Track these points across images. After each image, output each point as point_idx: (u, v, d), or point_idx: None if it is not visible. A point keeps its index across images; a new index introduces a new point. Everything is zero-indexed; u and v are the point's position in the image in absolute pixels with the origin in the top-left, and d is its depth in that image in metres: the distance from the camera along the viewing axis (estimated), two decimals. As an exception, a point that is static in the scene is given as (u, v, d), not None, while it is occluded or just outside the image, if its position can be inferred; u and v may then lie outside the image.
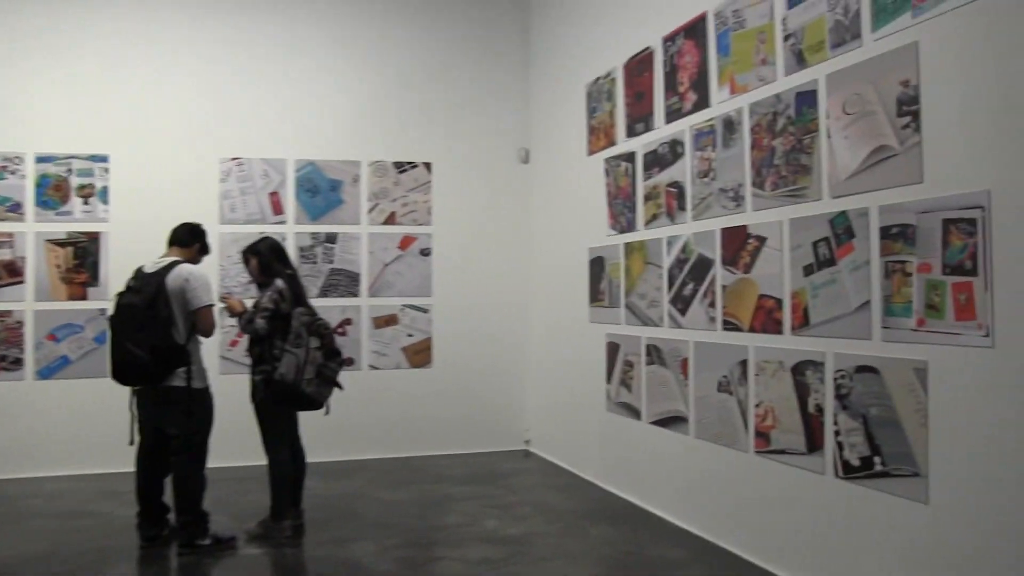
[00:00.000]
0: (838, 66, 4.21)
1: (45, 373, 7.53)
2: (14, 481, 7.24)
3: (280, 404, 5.34)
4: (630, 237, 6.33)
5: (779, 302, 4.62)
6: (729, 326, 5.08)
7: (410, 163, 8.30)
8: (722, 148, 5.18)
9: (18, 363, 7.49)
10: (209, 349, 7.48)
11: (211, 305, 5.18)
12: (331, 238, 8.02)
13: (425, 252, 8.27)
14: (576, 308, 7.25)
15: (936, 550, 3.61)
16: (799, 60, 4.49)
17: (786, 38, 4.59)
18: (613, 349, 6.58)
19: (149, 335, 5.01)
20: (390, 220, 8.22)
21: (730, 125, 5.10)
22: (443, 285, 8.30)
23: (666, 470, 5.81)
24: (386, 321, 8.08)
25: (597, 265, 6.88)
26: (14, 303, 7.50)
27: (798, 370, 4.46)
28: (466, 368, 8.32)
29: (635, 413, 6.22)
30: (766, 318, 4.74)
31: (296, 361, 5.21)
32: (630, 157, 6.33)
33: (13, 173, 7.55)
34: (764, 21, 4.78)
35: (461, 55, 8.48)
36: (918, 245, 3.70)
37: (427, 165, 8.34)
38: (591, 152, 7.04)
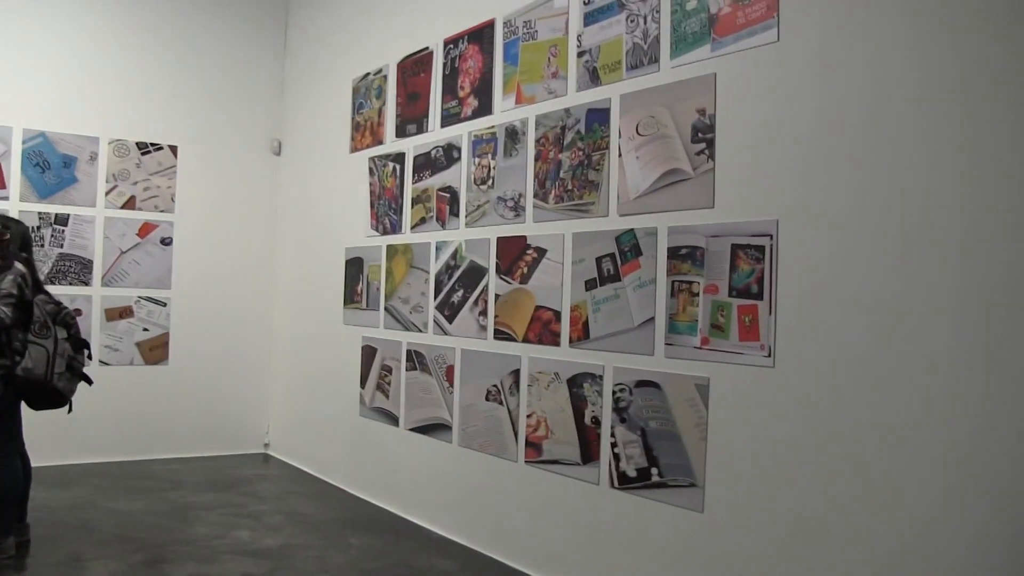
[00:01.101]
0: (633, 87, 4.20)
1: None
2: None
3: (21, 402, 4.56)
4: (394, 239, 6.07)
5: (557, 314, 4.56)
6: (502, 335, 4.95)
7: (155, 144, 7.52)
8: (503, 157, 5.06)
9: None
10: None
11: None
12: (62, 219, 7.08)
13: (166, 241, 7.51)
14: (328, 309, 6.87)
15: (710, 556, 3.68)
16: (593, 77, 4.45)
17: (580, 54, 4.54)
18: (369, 353, 6.28)
19: None
20: (129, 204, 7.39)
21: (513, 135, 4.99)
22: (184, 277, 7.58)
23: (427, 479, 5.59)
24: (120, 313, 7.25)
25: (354, 266, 6.55)
26: None
27: (575, 382, 4.41)
28: (205, 366, 7.65)
29: (392, 419, 5.96)
30: (542, 329, 4.66)
31: (46, 353, 4.49)
32: (399, 158, 6.08)
33: None
34: (557, 35, 4.72)
35: (215, 36, 7.81)
36: (706, 267, 3.75)
37: (173, 148, 7.60)
38: (355, 149, 6.71)
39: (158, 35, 7.55)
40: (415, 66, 6.00)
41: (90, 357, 4.91)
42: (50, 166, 7.10)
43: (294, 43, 8.00)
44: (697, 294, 3.78)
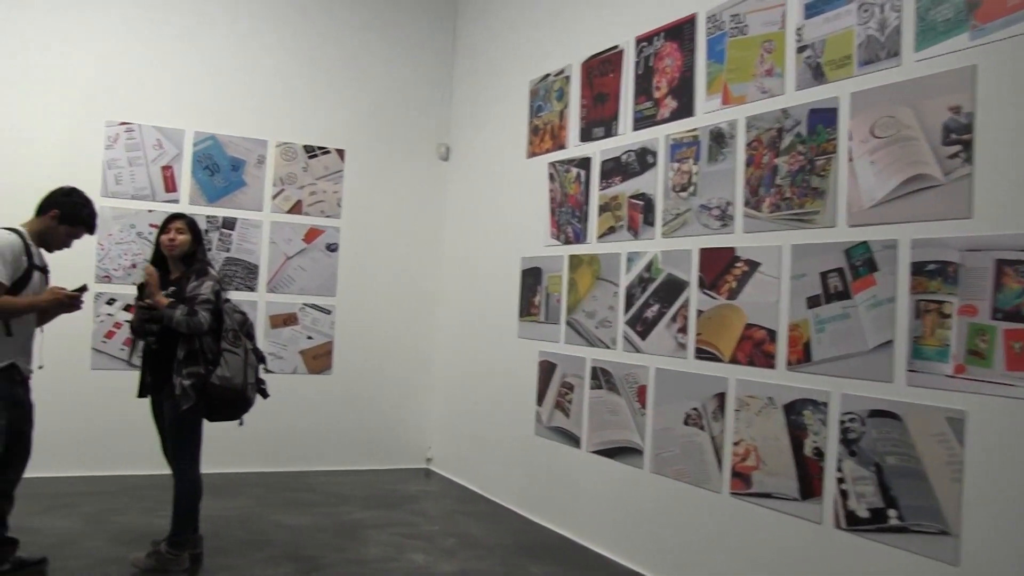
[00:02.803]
0: (867, 84, 3.97)
1: None
2: None
3: (213, 412, 4.68)
4: (578, 249, 5.98)
5: (772, 333, 4.36)
6: (704, 355, 4.78)
7: (322, 148, 7.70)
8: (707, 162, 4.90)
9: None
10: (80, 340, 6.77)
11: None
12: (229, 224, 7.31)
13: (332, 247, 7.67)
14: (501, 321, 6.85)
15: (964, 617, 3.40)
16: (816, 74, 4.24)
17: (800, 49, 4.34)
18: (547, 369, 6.21)
19: None
20: (296, 209, 7.58)
21: (719, 137, 4.82)
22: (348, 285, 7.73)
23: (612, 505, 5.46)
24: (284, 320, 7.43)
25: (532, 276, 6.50)
26: None
27: (793, 409, 4.20)
28: (367, 377, 7.77)
29: (573, 440, 5.87)
30: (753, 350, 4.46)
31: (242, 362, 4.61)
32: (584, 163, 5.99)
33: None
34: (772, 29, 4.53)
35: (384, 40, 7.96)
36: (961, 284, 3.48)
37: (340, 152, 7.76)
38: (532, 154, 6.67)
39: (326, 39, 7.74)
40: (602, 66, 5.90)
41: (267, 369, 4.99)
42: (219, 169, 7.35)
43: (463, 46, 8.05)
44: (949, 315, 3.52)
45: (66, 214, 4.51)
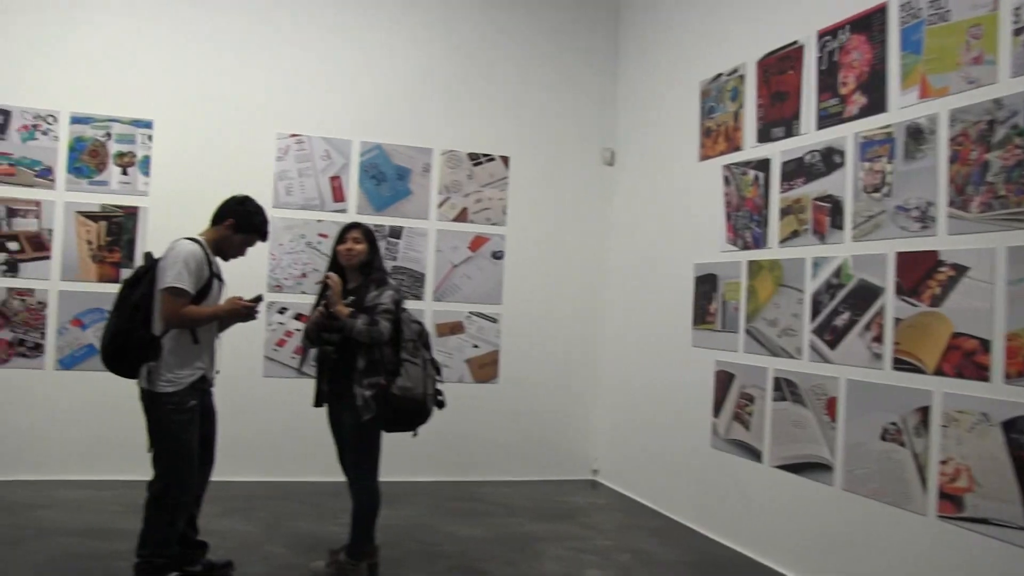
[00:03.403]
0: (1100, 70, 3.62)
1: (67, 363, 6.87)
2: (21, 484, 6.56)
3: (392, 423, 4.70)
4: (758, 255, 5.74)
5: (985, 343, 4.03)
6: (904, 366, 4.48)
7: (486, 155, 7.70)
8: (903, 160, 4.59)
9: (38, 349, 6.82)
10: (253, 348, 6.96)
11: (171, 289, 4.22)
12: (396, 232, 7.38)
13: (497, 255, 7.65)
14: (673, 329, 6.66)
15: None
16: (1038, 60, 3.90)
17: (1019, 31, 4.00)
18: (724, 379, 5.99)
19: (115, 319, 4.34)
20: (461, 217, 7.60)
21: (917, 134, 4.51)
22: (514, 293, 7.70)
23: (797, 522, 5.20)
24: (451, 329, 7.44)
25: (707, 283, 6.29)
26: (38, 281, 6.84)
27: (1014, 427, 3.86)
28: (533, 386, 7.72)
29: (753, 454, 5.63)
30: (963, 360, 4.14)
31: (422, 372, 4.62)
32: (762, 165, 5.75)
33: (45, 134, 6.89)
34: (981, 12, 4.20)
35: (547, 44, 7.90)
36: None
37: (504, 159, 7.73)
38: (705, 157, 6.46)
39: (489, 45, 7.74)
40: (780, 63, 5.65)
41: (442, 380, 4.97)
42: (385, 178, 7.43)
43: (627, 48, 7.91)
44: None
45: (241, 223, 4.57)
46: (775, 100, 5.70)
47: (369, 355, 4.62)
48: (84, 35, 6.96)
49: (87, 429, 6.83)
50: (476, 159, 7.66)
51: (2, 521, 5.69)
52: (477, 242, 7.60)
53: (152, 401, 4.30)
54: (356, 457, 4.80)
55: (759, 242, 5.74)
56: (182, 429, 4.33)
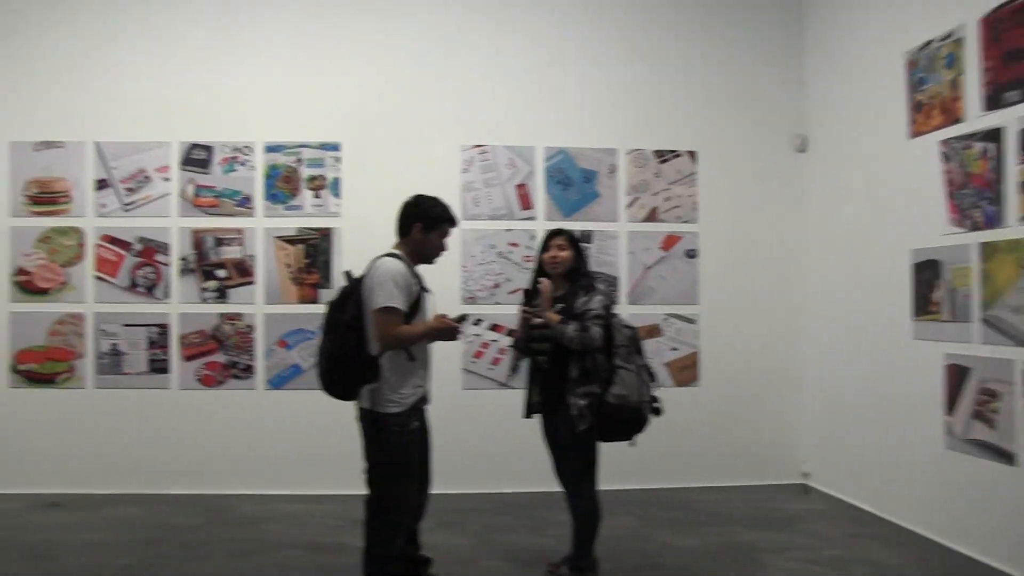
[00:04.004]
0: None
1: (276, 382, 7.02)
2: (247, 498, 6.83)
3: (608, 432, 4.51)
4: (992, 235, 5.20)
5: None
6: None
7: (672, 152, 7.38)
8: None
9: (248, 370, 7.01)
10: (450, 360, 6.89)
11: (385, 308, 4.12)
12: (586, 237, 7.17)
13: (691, 254, 7.33)
14: (888, 321, 6.16)
15: None
16: None
17: None
18: (957, 373, 5.46)
19: (329, 342, 4.25)
20: (651, 216, 7.32)
21: None
22: (711, 291, 7.34)
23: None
24: (648, 332, 7.16)
25: (928, 270, 5.77)
26: (244, 305, 7.03)
27: None
28: (736, 387, 7.34)
29: (1002, 455, 5.08)
30: None
31: (636, 379, 4.40)
32: (991, 135, 5.20)
33: (243, 164, 7.07)
34: None
35: (725, 30, 7.51)
36: None
37: (691, 154, 7.40)
38: (916, 134, 5.94)
39: (664, 36, 7.44)
40: (1015, 16, 5.08)
41: (658, 385, 4.73)
42: (572, 182, 7.24)
43: (814, 27, 7.42)
44: None
45: (427, 221, 4.38)
46: (1009, 60, 5.12)
47: (582, 363, 4.45)
48: (272, 69, 7.15)
49: (300, 445, 6.98)
50: (662, 156, 7.36)
51: (232, 534, 5.91)
52: (669, 241, 7.30)
53: (375, 422, 4.20)
54: (573, 469, 4.64)
55: (993, 221, 5.19)
56: (405, 450, 4.23)
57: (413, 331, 4.20)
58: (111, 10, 7.19)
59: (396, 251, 4.37)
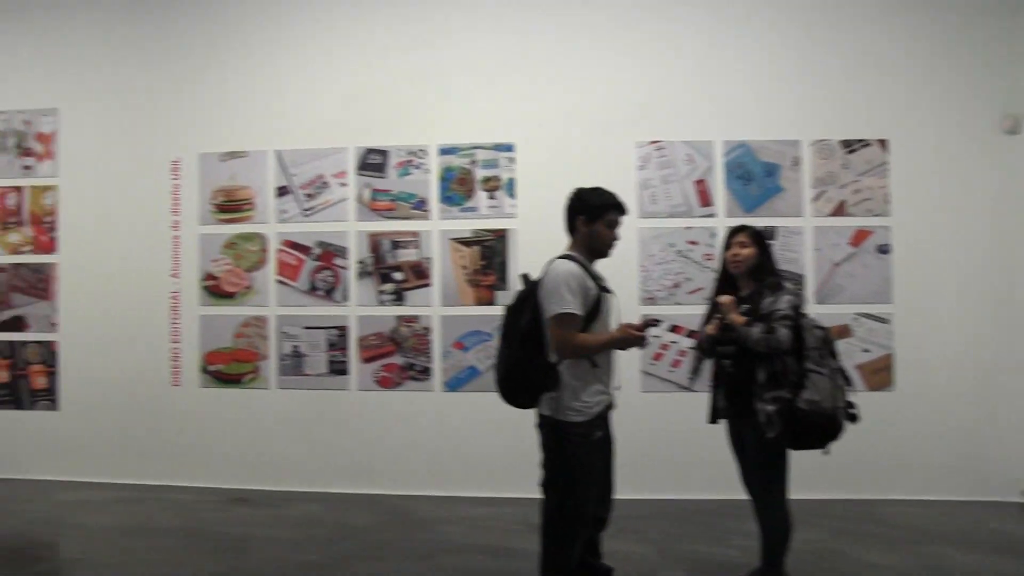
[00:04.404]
0: None
1: (453, 384, 7.02)
2: (424, 499, 6.88)
3: (799, 439, 4.22)
4: None
5: None
6: None
7: (860, 141, 6.97)
8: None
9: (426, 372, 7.03)
10: (629, 362, 6.71)
11: (559, 316, 3.96)
12: (769, 233, 6.85)
13: (883, 249, 6.89)
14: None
15: None
16: None
17: None
18: None
19: (506, 349, 4.11)
20: (838, 211, 6.93)
21: None
22: (906, 289, 6.87)
23: None
24: (837, 332, 6.77)
25: None
26: (421, 307, 7.07)
27: None
28: (935, 392, 6.83)
29: None
30: None
31: (830, 383, 4.12)
32: None
33: (418, 168, 7.11)
34: None
35: (918, 5, 7.01)
36: None
37: (882, 143, 6.97)
38: None
39: (851, 16, 7.01)
40: None
41: (853, 390, 4.41)
42: (753, 176, 6.94)
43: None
44: None
45: (588, 212, 4.19)
46: None
47: (770, 367, 4.20)
48: (445, 71, 7.16)
49: (478, 447, 6.96)
50: (850, 146, 6.96)
51: (413, 535, 5.95)
52: (859, 236, 6.89)
53: (557, 430, 4.06)
54: (761, 478, 4.39)
55: None
56: (587, 459, 4.06)
57: (593, 340, 4.02)
58: (290, 21, 7.38)
59: (570, 252, 4.21)
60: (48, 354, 7.68)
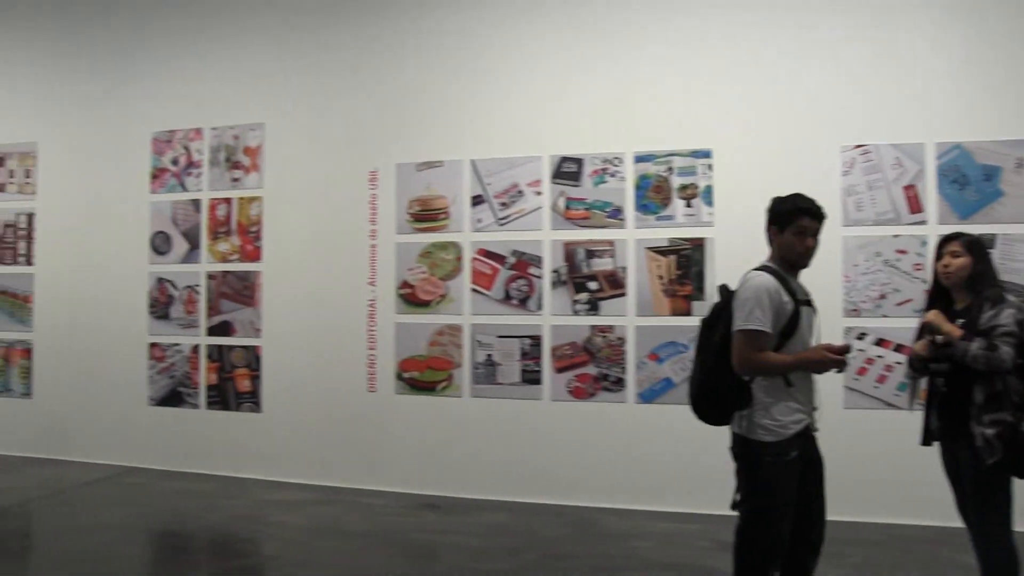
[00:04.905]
0: None
1: (647, 396, 6.94)
2: (613, 512, 6.80)
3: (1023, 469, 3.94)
4: None
5: None
6: None
7: (1092, 141, 6.50)
8: None
9: (619, 383, 6.98)
10: (832, 377, 6.43)
11: (744, 331, 3.78)
12: (988, 241, 6.45)
13: (1122, 258, 6.40)
14: None
15: None
16: None
17: None
18: None
19: (699, 363, 3.96)
20: (1070, 216, 6.48)
21: None
22: None
23: None
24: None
25: None
26: (615, 317, 7.03)
27: None
28: None
29: None
30: None
31: None
32: None
33: (612, 176, 7.09)
34: None
35: None
36: None
37: (1091, 141, 6.48)
38: None
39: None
40: None
41: None
42: (969, 181, 6.58)
43: None
44: None
45: (778, 220, 3.99)
46: None
47: (989, 387, 3.91)
48: (640, 76, 7.11)
49: (670, 461, 6.82)
50: (1081, 147, 6.50)
51: (598, 549, 5.92)
52: (1092, 244, 6.43)
53: (747, 448, 3.89)
54: (979, 507, 4.05)
55: None
56: (779, 481, 3.83)
57: (778, 360, 3.81)
58: (485, 32, 7.54)
59: (767, 263, 4.02)
60: (253, 358, 8.05)
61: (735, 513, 4.00)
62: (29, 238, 9.05)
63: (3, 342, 9.13)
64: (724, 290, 4.05)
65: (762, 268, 3.98)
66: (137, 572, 5.66)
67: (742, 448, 3.94)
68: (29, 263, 9.06)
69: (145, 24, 8.67)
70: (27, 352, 9.04)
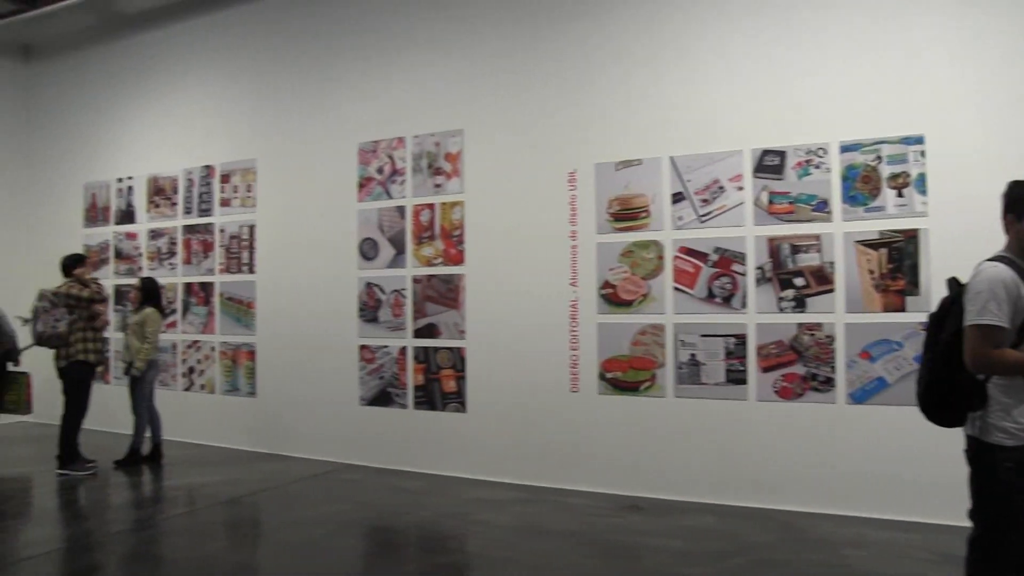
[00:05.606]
0: None
1: (858, 396, 6.70)
2: (823, 518, 6.63)
3: None
4: None
5: None
6: None
7: None
8: None
9: (828, 383, 6.78)
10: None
11: (976, 326, 3.52)
12: None
13: None
14: None
15: None
16: None
17: None
18: None
19: (927, 361, 3.74)
20: None
21: None
22: None
23: None
24: None
25: None
26: (823, 314, 6.82)
27: None
28: None
29: None
30: None
31: None
32: None
33: (817, 167, 6.88)
34: None
35: None
36: None
37: None
38: None
39: None
40: None
41: None
42: None
43: None
44: None
45: (1017, 208, 3.67)
46: None
47: None
48: (841, 64, 6.87)
49: (886, 466, 6.54)
50: None
51: (807, 556, 5.75)
52: None
53: (982, 453, 3.65)
54: None
55: None
56: (1017, 490, 3.55)
57: (1017, 358, 3.54)
58: (677, 28, 7.49)
59: (1003, 253, 3.72)
60: (457, 359, 8.35)
61: (958, 524, 3.81)
62: (251, 248, 9.76)
63: (231, 345, 9.88)
64: (954, 283, 3.82)
65: (997, 259, 3.68)
66: (353, 564, 5.98)
67: (976, 452, 3.71)
68: (251, 271, 9.76)
69: (345, 42, 9.20)
70: (251, 354, 9.75)
